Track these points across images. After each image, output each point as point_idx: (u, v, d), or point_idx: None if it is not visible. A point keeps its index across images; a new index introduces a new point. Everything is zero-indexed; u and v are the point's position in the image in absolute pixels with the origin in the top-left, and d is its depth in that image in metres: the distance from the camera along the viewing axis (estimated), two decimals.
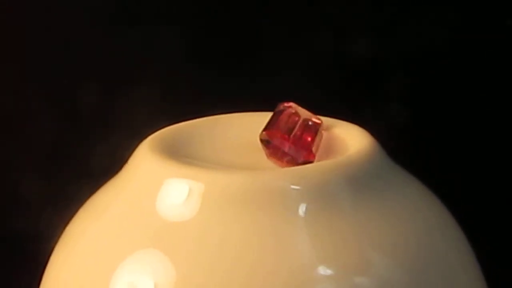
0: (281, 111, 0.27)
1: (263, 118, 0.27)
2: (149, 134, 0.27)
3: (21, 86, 0.41)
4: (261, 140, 0.26)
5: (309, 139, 0.26)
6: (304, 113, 0.27)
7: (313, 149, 0.25)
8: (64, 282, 0.25)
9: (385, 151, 0.27)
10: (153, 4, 0.40)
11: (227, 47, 0.41)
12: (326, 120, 0.27)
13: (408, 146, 0.41)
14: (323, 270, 0.22)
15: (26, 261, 0.27)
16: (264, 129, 0.26)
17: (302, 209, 0.23)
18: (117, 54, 0.40)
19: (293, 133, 0.26)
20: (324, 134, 0.27)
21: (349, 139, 0.26)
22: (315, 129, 0.26)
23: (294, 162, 0.25)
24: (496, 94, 0.41)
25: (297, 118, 0.27)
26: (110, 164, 0.27)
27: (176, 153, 0.26)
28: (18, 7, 0.40)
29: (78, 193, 0.27)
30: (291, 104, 0.27)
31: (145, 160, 0.25)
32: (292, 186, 0.23)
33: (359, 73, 0.41)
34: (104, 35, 0.40)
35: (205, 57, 0.41)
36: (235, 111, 0.29)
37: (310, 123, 0.26)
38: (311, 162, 0.25)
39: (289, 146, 0.25)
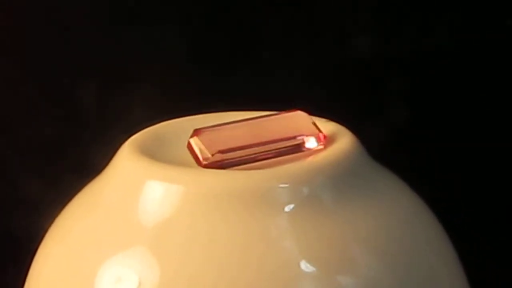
0: (262, 116, 0.26)
1: (246, 116, 0.27)
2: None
3: (20, 86, 0.41)
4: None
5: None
6: (306, 127, 0.26)
7: (224, 159, 0.25)
8: (48, 280, 0.25)
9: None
10: (152, 3, 0.40)
11: (227, 46, 0.41)
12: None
13: (408, 146, 0.41)
14: (308, 268, 0.22)
15: (25, 260, 0.27)
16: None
17: (285, 208, 0.23)
18: (116, 53, 0.40)
19: (244, 141, 0.25)
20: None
21: (331, 137, 0.26)
22: (291, 150, 0.26)
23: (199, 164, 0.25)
24: (496, 94, 0.41)
25: (278, 128, 0.26)
26: None
27: (158, 154, 0.26)
28: (17, 7, 0.40)
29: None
30: (296, 111, 0.27)
31: (127, 161, 0.25)
32: (274, 185, 0.23)
33: (359, 73, 0.41)
34: (104, 34, 0.40)
35: (204, 56, 0.41)
36: (234, 111, 0.28)
37: (293, 141, 0.26)
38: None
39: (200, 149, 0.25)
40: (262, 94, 0.38)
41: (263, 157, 0.26)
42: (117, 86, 0.40)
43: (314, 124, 0.26)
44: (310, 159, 0.25)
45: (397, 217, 0.25)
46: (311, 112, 0.27)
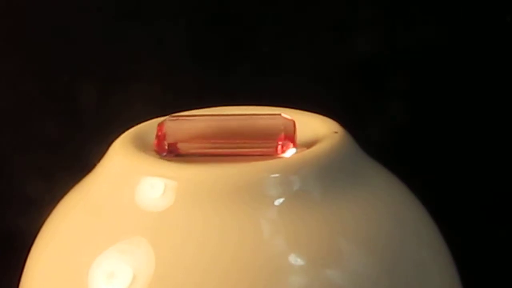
0: (243, 114, 0.26)
1: (236, 112, 0.27)
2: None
3: (19, 83, 0.41)
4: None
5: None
6: (281, 132, 0.26)
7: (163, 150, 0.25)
8: (44, 274, 0.25)
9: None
10: (151, 0, 0.40)
11: (227, 44, 0.41)
12: (298, 113, 0.27)
13: (408, 145, 0.41)
14: (297, 260, 0.23)
15: (22, 255, 0.27)
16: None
17: (274, 201, 0.23)
18: (116, 51, 0.40)
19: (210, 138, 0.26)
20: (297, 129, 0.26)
21: (321, 131, 0.26)
22: (253, 152, 0.26)
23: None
24: (496, 92, 0.41)
25: (253, 128, 0.26)
26: None
27: (151, 149, 0.26)
28: (17, 7, 0.40)
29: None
30: (277, 115, 0.26)
31: (119, 156, 0.25)
32: (265, 179, 0.24)
33: (359, 72, 0.41)
34: (104, 32, 0.40)
35: (205, 55, 0.41)
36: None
37: (258, 143, 0.26)
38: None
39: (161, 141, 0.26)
40: (262, 93, 0.38)
41: (218, 153, 0.26)
42: (116, 84, 0.40)
43: (293, 130, 0.26)
44: (300, 154, 0.25)
45: (387, 211, 0.25)
46: (319, 112, 0.27)
